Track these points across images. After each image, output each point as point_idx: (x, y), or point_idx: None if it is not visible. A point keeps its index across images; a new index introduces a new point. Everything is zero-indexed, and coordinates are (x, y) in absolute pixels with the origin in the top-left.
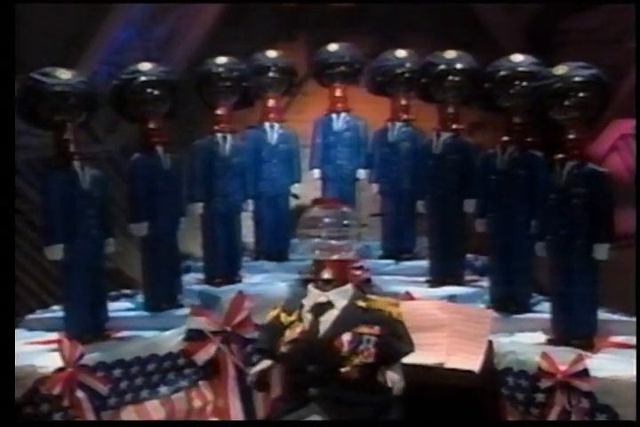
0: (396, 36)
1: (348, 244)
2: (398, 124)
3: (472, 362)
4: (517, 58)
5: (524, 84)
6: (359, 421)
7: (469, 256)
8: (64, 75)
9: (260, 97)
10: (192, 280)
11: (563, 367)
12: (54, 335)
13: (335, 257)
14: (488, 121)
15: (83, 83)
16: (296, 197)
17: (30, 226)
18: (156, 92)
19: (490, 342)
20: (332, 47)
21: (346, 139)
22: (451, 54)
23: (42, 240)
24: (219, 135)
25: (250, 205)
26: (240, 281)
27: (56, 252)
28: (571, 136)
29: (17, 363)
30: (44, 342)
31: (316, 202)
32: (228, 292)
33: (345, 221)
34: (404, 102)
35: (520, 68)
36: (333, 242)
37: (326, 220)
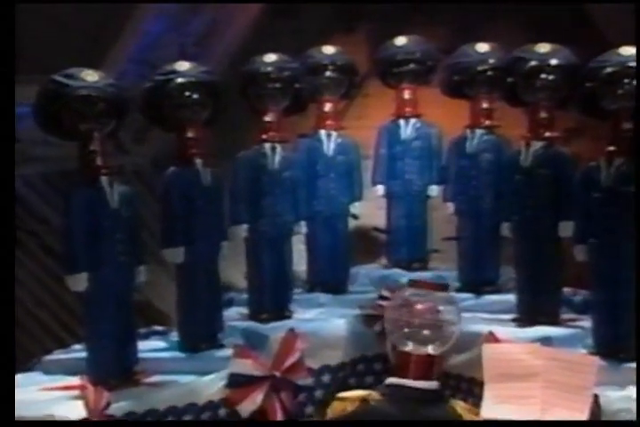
0: (475, 27)
1: (443, 336)
2: (479, 132)
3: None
4: (627, 51)
5: (635, 82)
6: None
7: (566, 290)
8: (90, 76)
9: (314, 100)
10: (235, 316)
11: None
12: (76, 380)
13: (428, 351)
14: (589, 127)
15: (111, 86)
16: (356, 217)
17: (47, 251)
18: (195, 96)
19: (595, 397)
20: (400, 41)
21: (415, 149)
22: (544, 48)
23: (62, 268)
24: (267, 145)
25: (302, 227)
26: (290, 317)
27: (80, 282)
28: None
29: (32, 412)
30: (63, 387)
31: (411, 284)
32: (276, 329)
33: (440, 308)
34: (485, 106)
35: (630, 64)
36: (425, 332)
37: (419, 306)
